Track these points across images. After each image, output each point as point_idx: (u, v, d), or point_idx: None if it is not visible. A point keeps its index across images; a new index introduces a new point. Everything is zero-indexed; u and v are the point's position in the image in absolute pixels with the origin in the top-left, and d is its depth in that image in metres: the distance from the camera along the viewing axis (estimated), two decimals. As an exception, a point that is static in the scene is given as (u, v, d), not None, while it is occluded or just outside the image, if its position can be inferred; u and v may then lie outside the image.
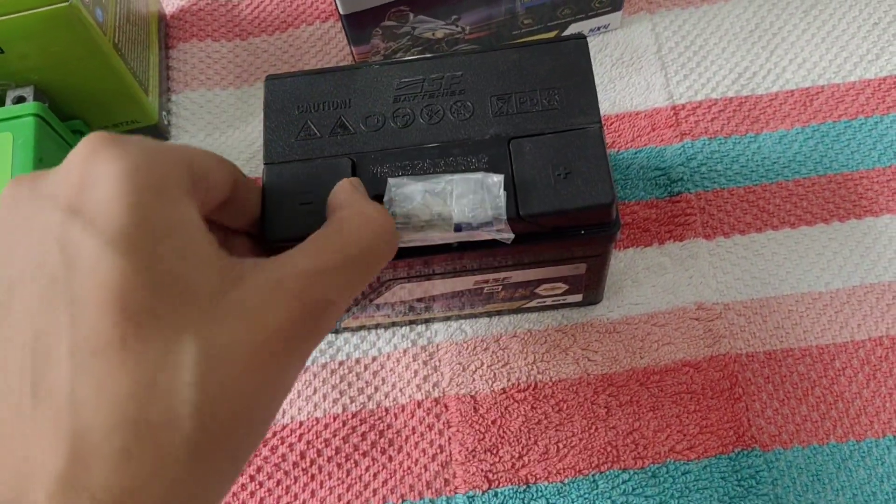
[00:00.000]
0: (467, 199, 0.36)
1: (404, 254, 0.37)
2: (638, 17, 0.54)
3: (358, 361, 0.46)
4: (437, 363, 0.46)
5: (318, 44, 0.55)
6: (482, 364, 0.46)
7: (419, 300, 0.44)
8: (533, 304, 0.45)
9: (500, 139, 0.37)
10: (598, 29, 0.53)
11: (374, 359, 0.46)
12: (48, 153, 0.43)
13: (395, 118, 0.38)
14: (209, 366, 0.24)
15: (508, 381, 0.45)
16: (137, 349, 0.24)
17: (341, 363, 0.46)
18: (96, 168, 0.25)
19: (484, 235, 0.36)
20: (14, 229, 0.26)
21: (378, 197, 0.36)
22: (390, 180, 0.36)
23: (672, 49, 0.53)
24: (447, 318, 0.47)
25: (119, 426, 0.23)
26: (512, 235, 0.36)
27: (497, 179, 0.36)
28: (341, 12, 0.46)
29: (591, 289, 0.44)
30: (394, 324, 0.47)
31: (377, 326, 0.47)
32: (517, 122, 0.37)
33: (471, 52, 0.39)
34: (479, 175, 0.36)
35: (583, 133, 0.37)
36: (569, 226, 0.37)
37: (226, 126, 0.53)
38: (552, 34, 0.52)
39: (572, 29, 0.52)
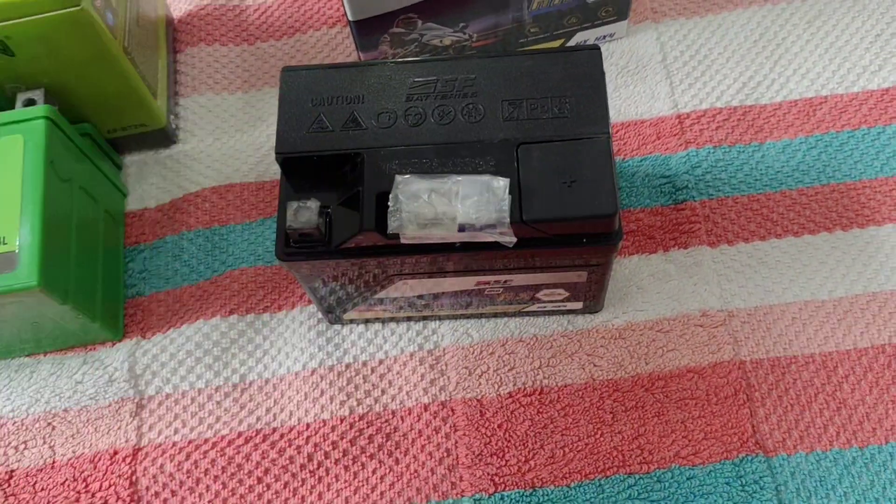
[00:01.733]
0: (472, 200, 0.36)
1: (407, 250, 0.37)
2: (643, 27, 0.54)
3: (364, 364, 0.47)
4: (444, 367, 0.46)
5: (326, 49, 0.56)
6: (488, 368, 0.46)
7: (421, 297, 0.44)
8: (534, 307, 0.46)
9: (509, 143, 0.37)
10: (604, 38, 0.53)
11: (380, 361, 0.47)
12: (58, 156, 0.44)
13: (406, 116, 0.39)
14: None
15: (515, 385, 0.45)
16: None
17: (348, 365, 0.47)
18: None
19: (486, 237, 0.36)
20: None
21: (386, 193, 0.36)
22: (398, 177, 0.36)
23: (677, 58, 0.53)
24: (450, 318, 0.47)
25: None
26: (514, 239, 0.36)
27: (503, 183, 0.36)
28: (350, 19, 0.47)
29: (591, 297, 0.45)
30: (393, 319, 0.47)
31: (380, 321, 0.47)
32: (527, 128, 0.38)
33: (485, 56, 0.40)
34: (485, 177, 0.36)
35: (591, 143, 0.37)
36: (571, 234, 0.37)
37: (234, 130, 0.53)
38: (558, 43, 0.53)
39: (578, 38, 0.53)
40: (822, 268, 0.47)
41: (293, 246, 0.38)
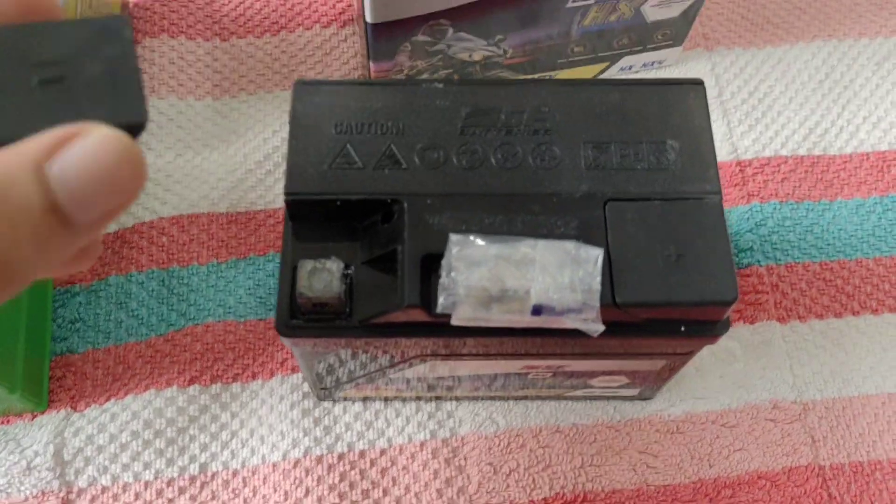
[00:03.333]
0: (552, 274, 0.27)
1: (458, 332, 0.28)
2: (695, 54, 0.47)
3: (362, 455, 0.37)
4: (462, 462, 0.37)
5: (318, 53, 0.46)
6: (518, 465, 0.37)
7: (441, 377, 0.35)
8: (579, 393, 0.37)
9: (594, 199, 0.29)
10: (653, 63, 0.45)
11: (382, 452, 0.37)
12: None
13: (460, 155, 0.29)
14: None
15: (552, 489, 0.36)
16: None
17: (341, 456, 0.37)
18: None
19: (567, 323, 0.28)
20: None
21: (435, 256, 0.27)
22: (452, 237, 0.27)
23: (734, 94, 0.46)
24: (470, 398, 0.38)
25: None
26: (602, 327, 0.27)
27: (595, 253, 0.27)
28: (368, 20, 0.37)
29: (654, 385, 0.36)
30: (398, 397, 0.38)
31: (383, 398, 0.38)
32: (616, 181, 0.29)
33: (560, 84, 0.31)
34: (569, 245, 0.27)
35: (699, 205, 0.29)
36: (669, 319, 0.29)
37: (201, 145, 0.43)
38: (601, 66, 0.44)
39: (624, 62, 0.45)
40: (906, 354, 0.40)
41: (302, 318, 0.29)
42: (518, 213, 0.29)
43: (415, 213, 0.28)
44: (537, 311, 0.27)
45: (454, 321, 0.27)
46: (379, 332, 0.29)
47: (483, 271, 0.27)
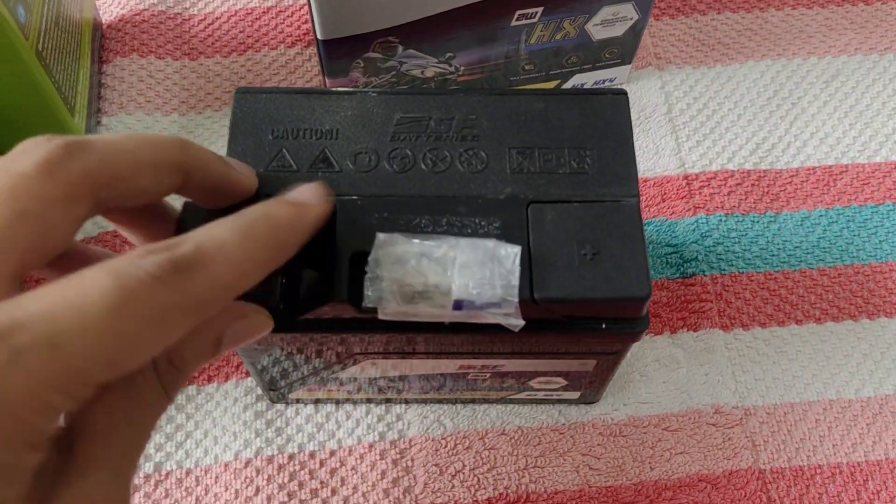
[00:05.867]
0: (472, 270, 0.28)
1: (385, 327, 0.30)
2: (646, 73, 0.48)
3: (312, 455, 0.38)
4: (410, 463, 0.38)
5: (283, 72, 0.48)
6: (464, 466, 0.38)
7: (388, 378, 0.36)
8: (521, 395, 0.38)
9: (518, 201, 0.30)
10: (604, 82, 0.47)
11: (332, 453, 0.38)
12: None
13: (391, 159, 0.31)
14: None
15: (495, 489, 0.37)
16: None
17: (291, 457, 0.38)
18: None
19: (487, 318, 0.29)
20: None
21: (364, 255, 0.28)
22: (379, 235, 0.28)
23: (683, 111, 0.47)
24: (419, 401, 0.39)
25: None
26: (522, 322, 0.29)
27: (512, 251, 0.29)
28: (319, 37, 0.39)
29: (592, 387, 0.37)
30: (349, 400, 0.39)
31: (334, 401, 0.39)
32: (539, 184, 0.31)
33: (488, 93, 0.32)
34: (490, 243, 0.29)
35: (617, 207, 0.30)
36: (589, 317, 0.30)
37: (166, 159, 0.44)
38: (553, 84, 0.46)
39: (575, 80, 0.46)
40: (848, 362, 0.41)
41: None
42: (444, 213, 0.30)
43: (345, 213, 0.30)
44: (458, 305, 0.28)
45: (381, 316, 0.29)
46: (311, 327, 0.30)
47: (407, 268, 0.28)
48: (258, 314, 0.27)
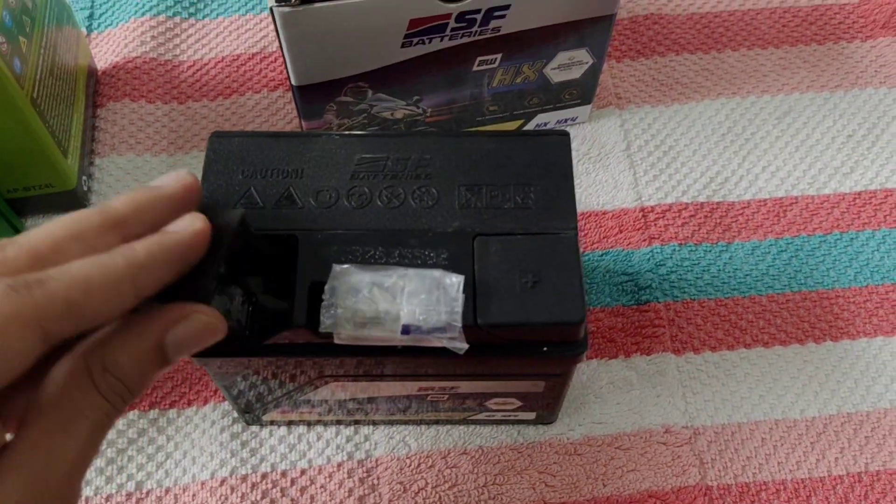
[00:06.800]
0: (419, 298, 0.31)
1: (341, 351, 0.32)
2: (607, 112, 0.51)
3: (283, 474, 0.40)
4: (376, 481, 0.40)
5: (265, 114, 0.51)
6: (426, 484, 0.40)
7: (356, 401, 0.39)
8: (481, 416, 0.41)
9: (465, 234, 0.33)
10: (566, 121, 0.50)
11: (302, 472, 0.41)
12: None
13: (349, 196, 0.34)
14: None
15: (455, 506, 0.40)
16: None
17: (264, 475, 0.40)
18: None
19: (434, 342, 0.31)
20: None
21: (320, 284, 0.31)
22: (335, 267, 0.31)
23: (641, 147, 0.50)
24: (386, 423, 0.42)
25: None
26: (465, 346, 0.31)
27: (456, 280, 0.31)
28: (293, 83, 0.42)
29: (546, 408, 0.40)
30: (320, 422, 0.41)
31: (306, 423, 0.42)
32: (485, 218, 0.33)
33: (442, 135, 0.35)
34: (436, 273, 0.31)
35: (556, 239, 0.33)
36: (531, 341, 0.33)
37: (153, 196, 0.48)
38: (517, 123, 0.49)
39: (538, 119, 0.49)
40: (794, 384, 0.43)
41: None
42: (397, 246, 0.33)
43: (307, 246, 0.32)
44: (406, 330, 0.31)
45: (336, 340, 0.31)
46: (275, 352, 0.33)
47: (360, 296, 0.31)
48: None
